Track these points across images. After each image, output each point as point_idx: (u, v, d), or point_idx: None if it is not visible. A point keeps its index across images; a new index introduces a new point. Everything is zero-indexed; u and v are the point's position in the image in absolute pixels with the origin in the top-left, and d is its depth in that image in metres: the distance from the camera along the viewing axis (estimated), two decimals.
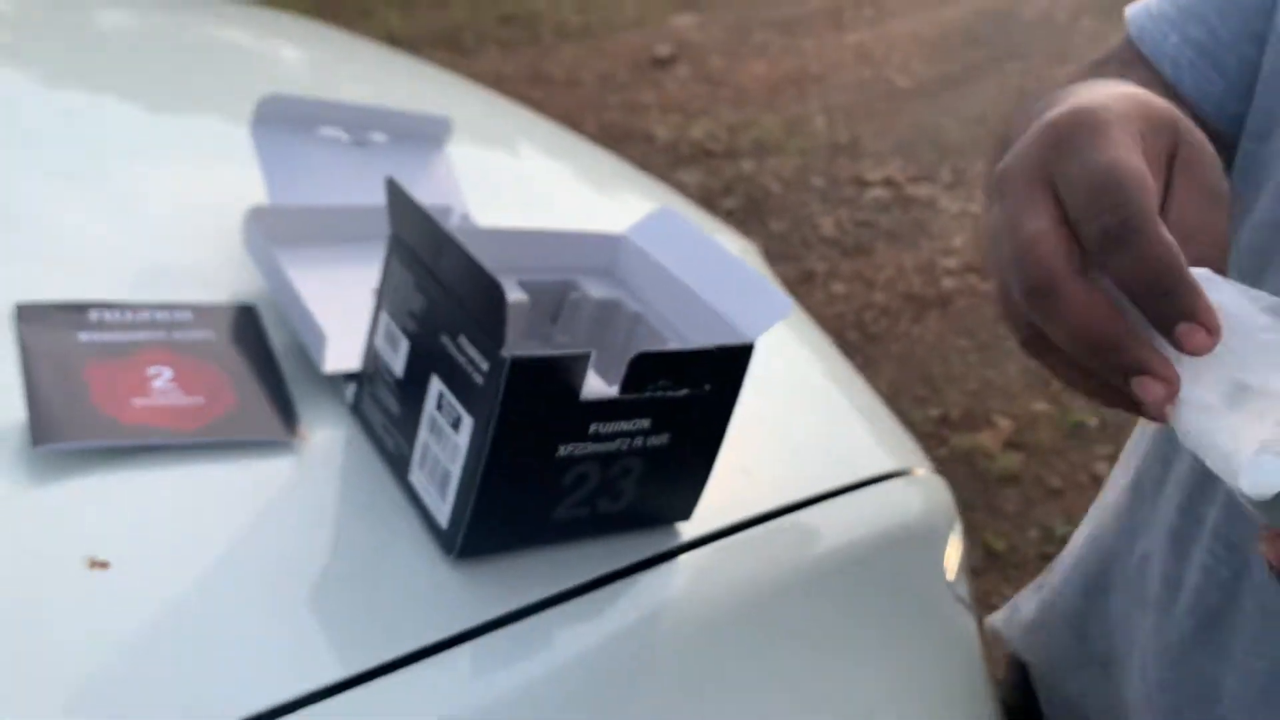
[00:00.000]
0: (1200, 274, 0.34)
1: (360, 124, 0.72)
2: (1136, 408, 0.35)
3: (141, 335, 0.56)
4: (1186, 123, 0.39)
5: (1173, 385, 0.34)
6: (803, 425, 0.71)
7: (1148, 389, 0.34)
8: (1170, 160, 0.38)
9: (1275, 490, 0.31)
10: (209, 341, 0.58)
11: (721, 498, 0.58)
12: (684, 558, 0.56)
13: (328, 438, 0.55)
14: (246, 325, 0.60)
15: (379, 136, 0.73)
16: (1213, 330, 0.33)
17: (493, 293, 0.45)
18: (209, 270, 0.64)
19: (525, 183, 0.92)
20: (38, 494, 0.47)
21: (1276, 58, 0.54)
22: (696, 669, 0.55)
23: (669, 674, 0.54)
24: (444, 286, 0.49)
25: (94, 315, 0.57)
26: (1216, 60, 0.56)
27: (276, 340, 0.60)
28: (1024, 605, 0.76)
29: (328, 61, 1.13)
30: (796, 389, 0.77)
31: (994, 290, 0.41)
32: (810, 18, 5.27)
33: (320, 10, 3.40)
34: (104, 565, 0.44)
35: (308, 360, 0.59)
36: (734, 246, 0.93)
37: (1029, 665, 0.75)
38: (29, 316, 0.56)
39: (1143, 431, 0.68)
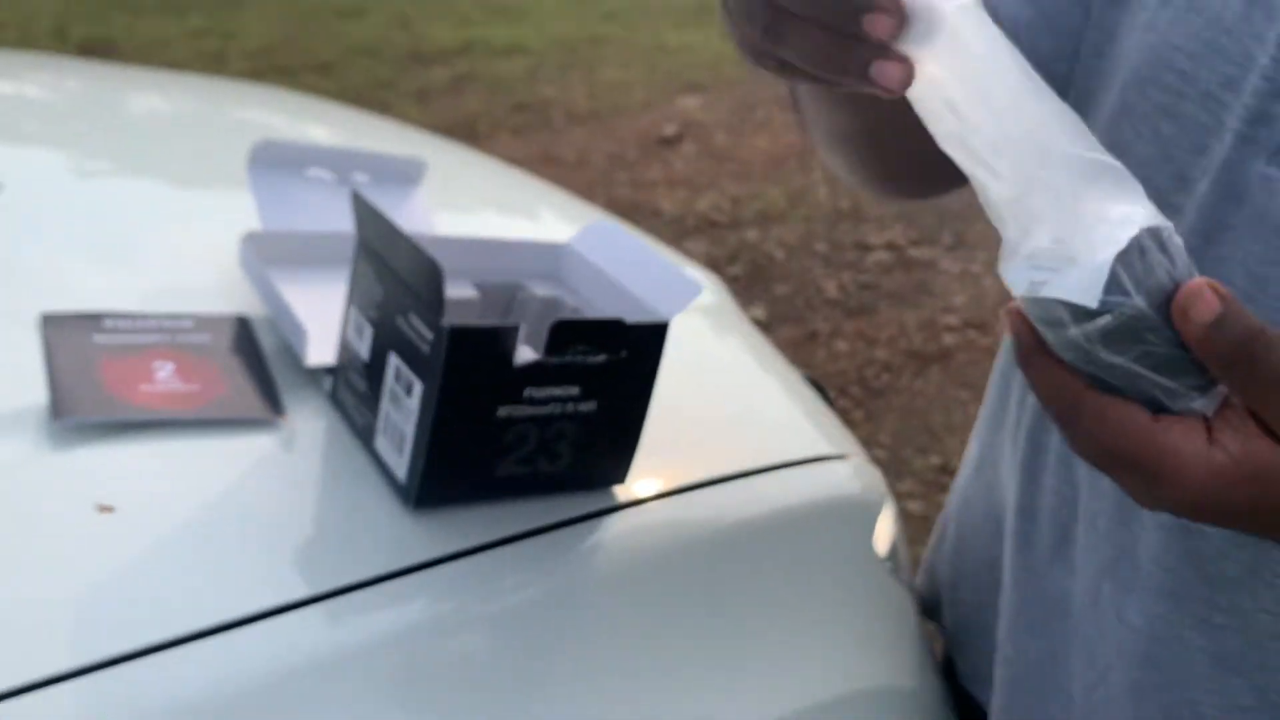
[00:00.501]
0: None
1: (344, 165, 0.82)
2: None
3: (149, 339, 0.66)
4: None
5: (907, 63, 0.42)
6: (747, 410, 0.80)
7: (885, 73, 0.42)
8: None
9: (1020, 292, 0.40)
10: (207, 344, 0.67)
11: (665, 467, 0.66)
12: (618, 517, 0.64)
13: (308, 421, 0.64)
14: (240, 332, 0.70)
15: (361, 176, 0.83)
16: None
17: (432, 271, 0.54)
18: (210, 289, 0.74)
19: (500, 227, 1.02)
20: (56, 456, 0.56)
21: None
22: (626, 624, 0.62)
23: (599, 623, 0.61)
24: (397, 275, 0.58)
25: (108, 323, 0.66)
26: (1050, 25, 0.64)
27: (267, 344, 0.69)
28: (926, 567, 0.84)
29: (345, 136, 1.25)
30: (744, 381, 0.85)
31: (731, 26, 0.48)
32: None
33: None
34: (109, 509, 0.53)
35: (294, 360, 0.68)
36: (701, 279, 1.02)
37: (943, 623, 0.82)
38: (52, 323, 0.65)
39: (996, 372, 0.76)
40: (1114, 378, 0.41)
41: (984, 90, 0.42)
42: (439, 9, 6.19)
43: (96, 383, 0.60)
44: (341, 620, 0.53)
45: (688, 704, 0.62)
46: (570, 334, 0.56)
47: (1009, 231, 0.43)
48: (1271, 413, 0.41)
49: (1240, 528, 0.45)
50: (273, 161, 0.78)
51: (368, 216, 0.60)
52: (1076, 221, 0.41)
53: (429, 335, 0.55)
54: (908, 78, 0.43)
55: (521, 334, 0.56)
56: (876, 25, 0.42)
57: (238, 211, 0.80)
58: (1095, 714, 0.66)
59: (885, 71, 0.43)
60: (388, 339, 0.59)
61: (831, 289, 3.37)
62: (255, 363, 0.67)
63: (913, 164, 0.64)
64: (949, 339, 3.15)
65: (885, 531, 0.80)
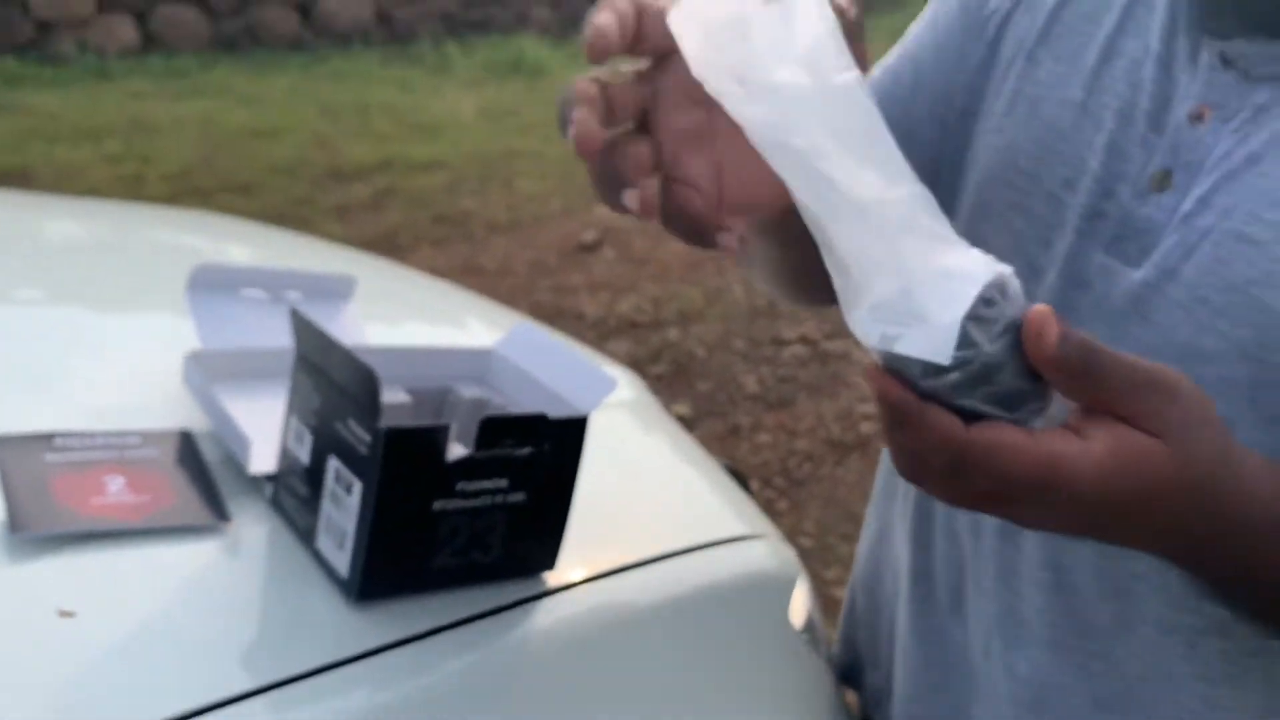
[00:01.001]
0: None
1: (277, 285, 0.87)
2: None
3: (98, 455, 0.70)
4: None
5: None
6: (666, 497, 0.85)
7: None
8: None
9: (872, 344, 0.44)
10: (154, 458, 0.71)
11: (591, 552, 0.71)
12: (549, 601, 0.69)
13: (251, 525, 0.68)
14: (185, 445, 0.74)
15: (294, 294, 0.88)
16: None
17: (368, 378, 0.59)
18: (154, 406, 0.78)
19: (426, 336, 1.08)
20: (16, 568, 0.59)
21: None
22: (559, 705, 0.66)
23: (533, 705, 0.65)
24: (334, 384, 0.63)
25: (59, 441, 0.70)
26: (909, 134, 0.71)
27: (210, 455, 0.73)
28: (841, 635, 0.89)
29: (270, 255, 1.30)
30: (663, 470, 0.91)
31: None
32: None
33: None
34: (70, 614, 0.56)
35: (236, 469, 0.72)
36: (621, 378, 1.09)
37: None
38: (5, 444, 0.69)
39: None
40: (961, 418, 0.45)
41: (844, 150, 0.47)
42: (356, 128, 6.30)
43: (49, 498, 0.64)
44: (288, 710, 0.56)
45: None
46: (497, 429, 0.62)
47: (850, 278, 0.46)
48: (1121, 412, 0.47)
49: (1125, 526, 0.49)
50: (210, 284, 0.83)
51: (305, 331, 0.66)
52: (920, 273, 0.44)
53: (366, 438, 0.60)
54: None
55: (453, 432, 0.61)
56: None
57: (171, 332, 0.84)
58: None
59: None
60: (327, 444, 0.64)
61: (751, 384, 3.46)
62: (200, 473, 0.71)
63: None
64: (866, 427, 3.25)
65: (800, 605, 0.85)
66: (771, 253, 0.75)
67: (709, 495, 0.92)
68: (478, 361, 0.77)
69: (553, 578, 0.70)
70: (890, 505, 0.83)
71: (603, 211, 5.24)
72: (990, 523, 0.69)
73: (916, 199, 0.47)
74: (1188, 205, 0.60)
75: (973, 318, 0.43)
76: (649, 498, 0.85)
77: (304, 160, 5.51)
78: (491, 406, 0.73)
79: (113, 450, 0.71)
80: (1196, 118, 0.61)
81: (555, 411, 0.66)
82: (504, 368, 0.76)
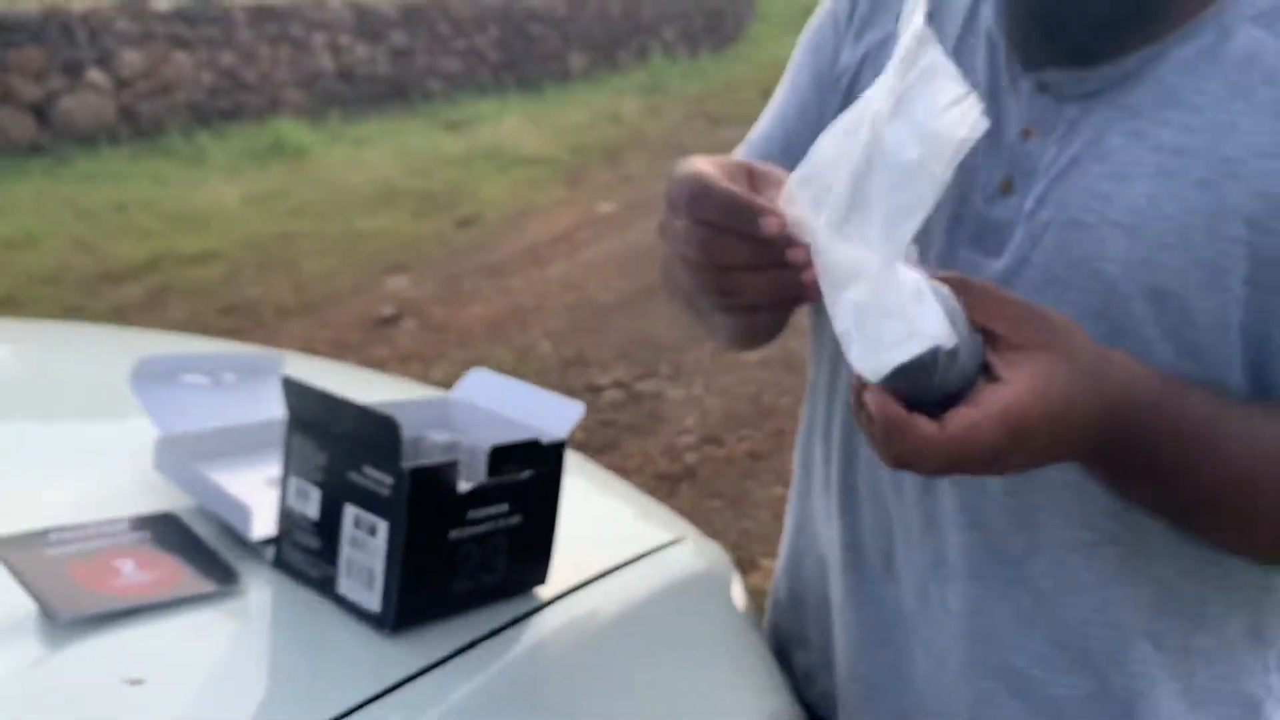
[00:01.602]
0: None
1: (215, 367, 0.91)
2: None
3: (98, 544, 0.72)
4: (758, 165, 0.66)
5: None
6: (598, 515, 0.94)
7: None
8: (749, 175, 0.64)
9: (869, 371, 0.56)
10: (149, 539, 0.74)
11: (556, 572, 0.79)
12: (546, 612, 0.76)
13: (261, 587, 0.72)
14: (170, 525, 0.77)
15: (229, 376, 0.92)
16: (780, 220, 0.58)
17: (389, 425, 0.65)
18: (117, 497, 0.80)
19: None
20: (75, 649, 0.62)
21: None
22: (562, 702, 0.74)
23: (541, 706, 0.72)
24: (344, 437, 0.69)
25: (53, 536, 0.72)
26: None
27: (200, 530, 0.77)
28: (768, 628, 1.01)
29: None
30: (583, 492, 0.99)
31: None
32: (512, 260, 5.73)
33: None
34: (140, 681, 0.60)
35: (226, 541, 0.76)
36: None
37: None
38: (3, 545, 0.70)
39: (797, 449, 0.95)
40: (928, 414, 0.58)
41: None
42: (117, 228, 6.05)
43: (73, 585, 0.67)
44: None
45: None
46: (504, 455, 0.69)
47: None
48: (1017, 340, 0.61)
49: (1065, 430, 0.61)
50: (151, 374, 0.86)
51: (301, 395, 0.71)
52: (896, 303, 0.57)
53: (389, 480, 0.66)
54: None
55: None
56: (770, 225, 0.60)
57: (88, 432, 0.87)
58: (940, 699, 0.84)
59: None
60: (340, 494, 0.69)
61: (576, 432, 3.56)
62: (196, 547, 0.75)
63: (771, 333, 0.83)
64: (690, 457, 3.41)
65: (738, 586, 0.96)
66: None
67: (631, 509, 1.02)
68: (438, 409, 0.83)
69: (543, 591, 0.77)
70: (805, 501, 0.95)
71: (394, 284, 5.24)
72: (910, 483, 0.81)
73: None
74: (1029, 204, 0.75)
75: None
76: (588, 518, 0.94)
77: (67, 266, 5.25)
78: (461, 448, 0.80)
79: (107, 538, 0.73)
80: (1026, 134, 0.76)
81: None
82: (464, 411, 0.83)
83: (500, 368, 3.95)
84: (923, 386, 0.57)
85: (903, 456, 0.58)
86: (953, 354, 0.57)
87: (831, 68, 0.87)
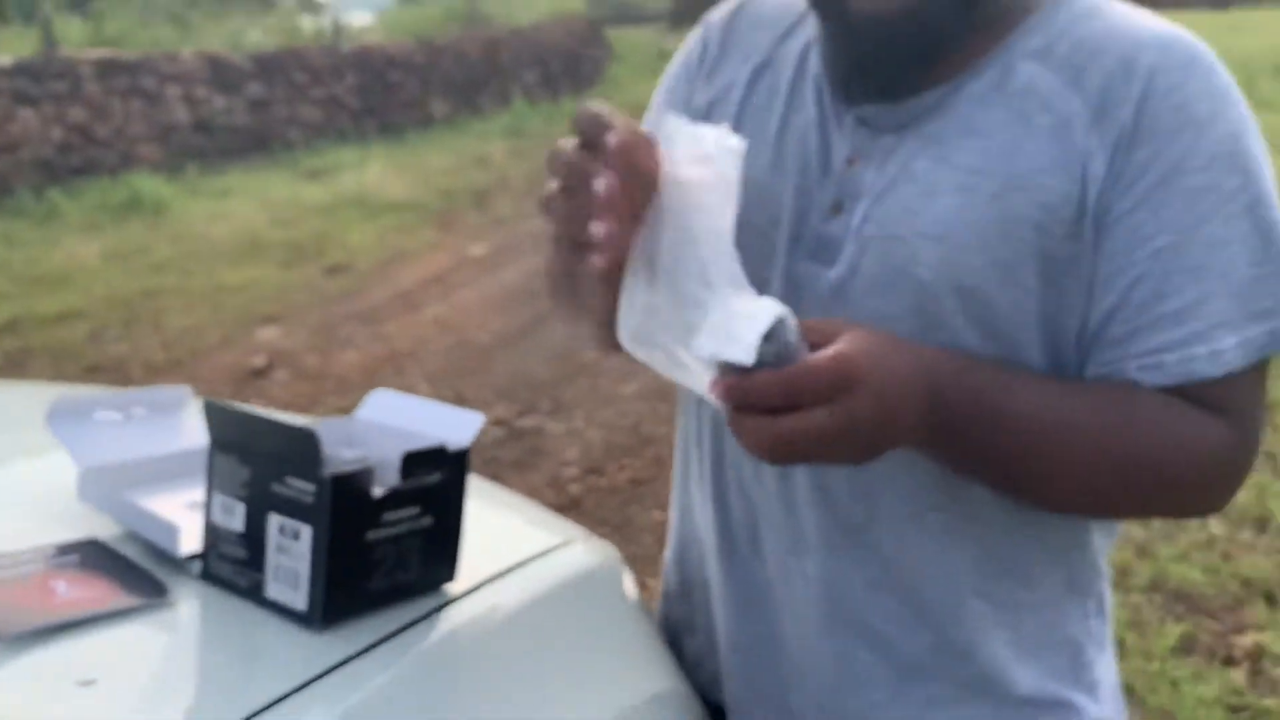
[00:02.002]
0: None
1: (125, 404, 0.96)
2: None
3: (27, 569, 0.77)
4: None
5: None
6: (494, 521, 1.02)
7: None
8: None
9: (704, 358, 0.65)
10: (78, 562, 0.79)
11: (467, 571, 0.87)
12: (454, 607, 0.83)
13: (190, 598, 0.78)
14: (96, 549, 0.82)
15: (140, 411, 0.97)
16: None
17: (310, 438, 0.72)
18: (41, 526, 0.85)
19: None
20: (27, 658, 0.67)
21: None
22: (470, 689, 0.81)
23: (451, 693, 0.79)
24: (265, 452, 0.75)
25: None
26: None
27: (126, 552, 0.82)
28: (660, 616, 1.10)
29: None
30: (486, 505, 1.07)
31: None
32: (385, 306, 5.73)
33: None
34: (92, 682, 0.65)
35: (152, 559, 0.81)
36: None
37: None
38: None
39: (676, 451, 1.05)
40: None
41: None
42: None
43: (13, 605, 0.72)
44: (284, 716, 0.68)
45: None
46: (415, 461, 0.77)
47: (690, 323, 0.69)
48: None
49: (924, 383, 0.73)
50: (67, 412, 0.91)
51: (223, 417, 0.78)
52: (731, 315, 0.68)
53: (311, 488, 0.73)
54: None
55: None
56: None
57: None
58: (807, 658, 0.94)
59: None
60: (264, 505, 0.76)
61: None
62: (124, 566, 0.80)
63: None
64: (574, 489, 3.49)
65: (630, 581, 1.04)
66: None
67: (528, 517, 1.10)
68: (345, 428, 0.90)
69: (453, 588, 0.85)
70: (686, 492, 1.04)
71: (265, 335, 5.19)
72: (769, 473, 0.91)
73: (729, 270, 0.69)
74: (855, 222, 0.87)
75: (765, 337, 0.66)
76: (490, 525, 1.01)
77: None
78: (373, 460, 0.87)
79: (37, 564, 0.78)
80: (850, 162, 0.88)
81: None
82: (369, 430, 0.90)
83: None
84: (786, 357, 0.66)
85: (760, 424, 0.67)
86: (795, 328, 0.67)
87: (686, 108, 0.98)
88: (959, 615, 0.89)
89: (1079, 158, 0.80)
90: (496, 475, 3.58)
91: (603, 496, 3.43)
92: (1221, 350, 0.79)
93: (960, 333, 0.82)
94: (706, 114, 0.96)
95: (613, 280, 0.70)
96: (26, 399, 1.33)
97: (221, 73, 11.08)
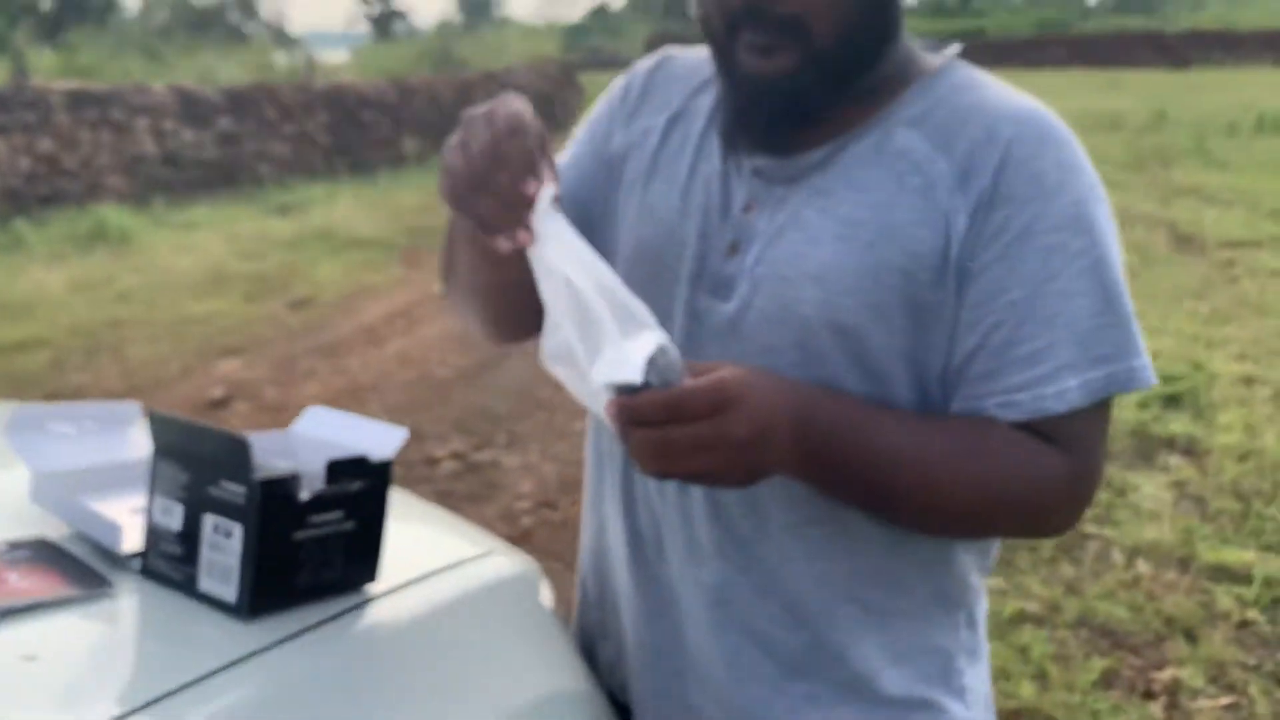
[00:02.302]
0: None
1: (77, 418, 1.03)
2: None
3: None
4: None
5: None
6: (416, 532, 1.10)
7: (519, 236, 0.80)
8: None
9: (602, 381, 0.75)
10: (29, 557, 0.87)
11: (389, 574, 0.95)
12: (374, 604, 0.91)
13: (130, 591, 0.86)
14: (45, 546, 0.89)
15: (91, 424, 1.04)
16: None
17: (242, 444, 0.81)
18: (5, 529, 0.92)
19: None
20: None
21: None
22: (386, 681, 0.89)
23: (365, 685, 0.87)
24: (203, 458, 0.84)
25: None
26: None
27: (72, 550, 0.90)
28: (577, 623, 1.18)
29: None
30: (417, 519, 1.15)
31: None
32: (348, 340, 5.79)
33: None
34: (34, 657, 0.73)
35: (96, 557, 0.89)
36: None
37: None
38: None
39: (587, 466, 1.13)
40: None
41: (578, 267, 0.79)
42: None
43: None
44: (201, 703, 0.76)
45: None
46: (339, 469, 0.85)
47: (574, 349, 0.79)
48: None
49: (793, 413, 0.82)
50: (22, 423, 0.99)
51: (166, 426, 0.86)
52: (625, 345, 0.78)
53: (241, 490, 0.82)
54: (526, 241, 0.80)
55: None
56: (529, 187, 0.79)
57: None
58: (703, 658, 1.03)
59: (519, 235, 0.79)
60: (200, 506, 0.84)
61: None
62: (70, 562, 0.88)
63: (520, 314, 0.99)
64: (526, 521, 3.56)
65: (547, 592, 1.13)
66: (495, 289, 1.02)
67: (455, 530, 1.18)
68: (279, 440, 0.98)
69: (375, 588, 0.93)
70: (600, 504, 1.13)
71: (225, 367, 5.24)
72: (670, 487, 1.00)
73: (624, 302, 0.79)
74: (749, 262, 0.96)
75: (649, 361, 0.76)
76: (418, 536, 1.10)
77: None
78: (303, 469, 0.95)
79: None
80: (747, 208, 0.98)
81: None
82: (303, 443, 0.98)
83: None
84: (669, 379, 0.76)
85: (646, 437, 0.76)
86: (677, 356, 0.76)
87: (606, 147, 1.08)
88: (834, 621, 0.98)
89: (944, 215, 0.90)
90: (451, 507, 3.63)
91: (554, 529, 3.50)
92: (1066, 390, 0.88)
93: (837, 366, 0.92)
94: (624, 156, 1.06)
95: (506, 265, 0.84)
96: None
97: (192, 106, 11.14)
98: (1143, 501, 3.55)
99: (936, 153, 0.92)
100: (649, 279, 1.01)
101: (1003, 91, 0.96)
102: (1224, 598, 2.95)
